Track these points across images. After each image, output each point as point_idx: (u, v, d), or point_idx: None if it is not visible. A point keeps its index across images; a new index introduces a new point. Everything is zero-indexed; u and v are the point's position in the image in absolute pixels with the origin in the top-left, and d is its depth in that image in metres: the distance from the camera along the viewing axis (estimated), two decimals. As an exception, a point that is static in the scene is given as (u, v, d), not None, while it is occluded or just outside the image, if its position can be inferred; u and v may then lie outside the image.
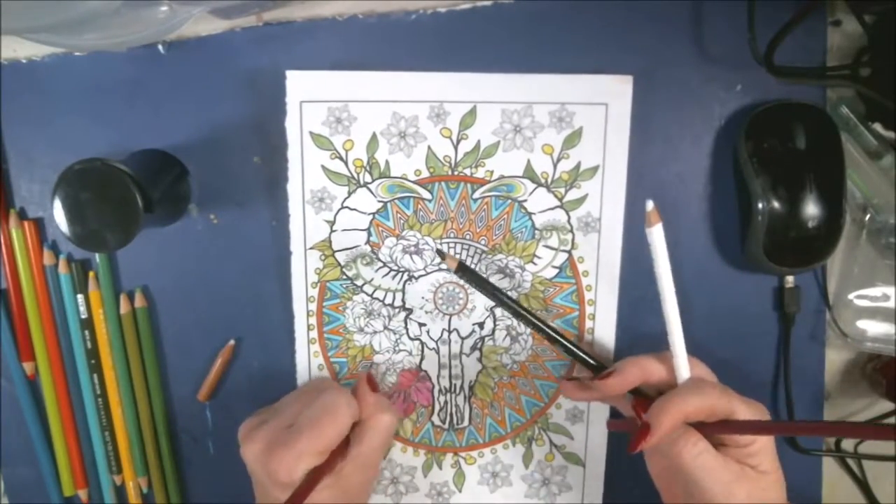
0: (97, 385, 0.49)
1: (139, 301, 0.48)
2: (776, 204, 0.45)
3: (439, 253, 0.47)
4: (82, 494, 0.51)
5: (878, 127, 0.46)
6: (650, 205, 0.39)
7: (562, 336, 0.45)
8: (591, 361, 0.45)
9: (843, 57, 0.46)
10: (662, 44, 0.46)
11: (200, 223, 0.48)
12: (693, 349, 0.49)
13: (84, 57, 0.46)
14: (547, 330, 0.45)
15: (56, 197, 0.39)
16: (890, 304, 0.48)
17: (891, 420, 0.50)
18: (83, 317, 0.48)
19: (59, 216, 0.39)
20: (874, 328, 0.48)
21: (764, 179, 0.45)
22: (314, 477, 0.41)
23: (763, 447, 0.40)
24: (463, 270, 0.45)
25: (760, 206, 0.45)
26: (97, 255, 0.48)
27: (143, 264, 0.48)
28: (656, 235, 0.40)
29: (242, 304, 0.49)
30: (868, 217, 0.48)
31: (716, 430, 0.40)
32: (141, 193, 0.39)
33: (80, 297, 0.48)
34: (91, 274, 0.48)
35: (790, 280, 0.48)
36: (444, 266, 0.47)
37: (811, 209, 0.45)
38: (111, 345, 0.49)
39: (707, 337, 0.49)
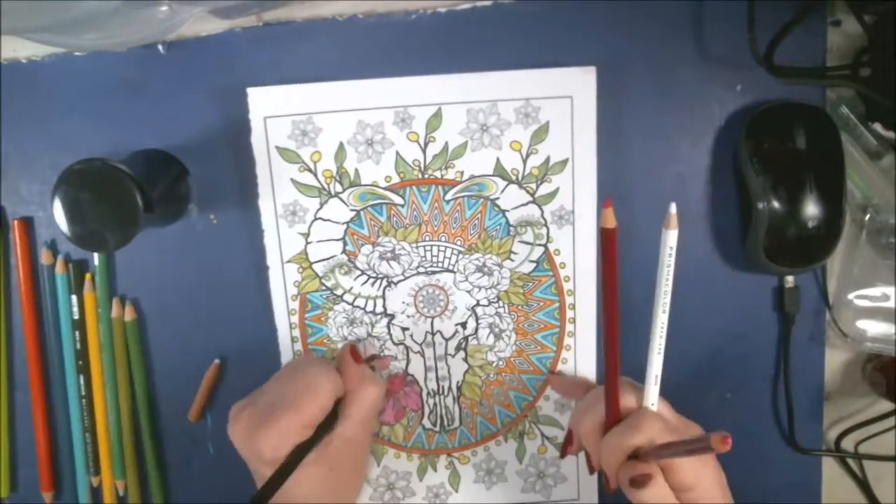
0: (83, 386, 0.49)
1: (129, 314, 0.48)
2: (776, 204, 0.45)
3: None
4: (46, 497, 0.50)
5: (878, 127, 0.46)
6: (673, 207, 0.35)
7: None
8: None
9: (843, 57, 0.46)
10: (663, 44, 0.46)
11: (200, 223, 0.48)
12: (693, 349, 0.49)
13: (84, 57, 0.46)
14: None
15: (56, 197, 0.39)
16: (890, 304, 0.48)
17: (891, 420, 0.50)
18: (75, 317, 0.48)
19: (59, 216, 0.39)
20: (874, 328, 0.48)
21: (764, 179, 0.45)
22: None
23: (704, 492, 0.37)
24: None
25: (760, 206, 0.45)
26: (95, 256, 0.48)
27: (143, 264, 0.48)
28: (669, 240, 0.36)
29: (242, 304, 0.49)
30: (868, 217, 0.48)
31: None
32: (141, 193, 0.39)
33: (73, 297, 0.48)
34: (87, 276, 0.48)
35: (790, 280, 0.48)
36: (421, 270, 0.47)
37: (811, 209, 0.45)
38: (101, 347, 0.48)
39: (707, 337, 0.49)
